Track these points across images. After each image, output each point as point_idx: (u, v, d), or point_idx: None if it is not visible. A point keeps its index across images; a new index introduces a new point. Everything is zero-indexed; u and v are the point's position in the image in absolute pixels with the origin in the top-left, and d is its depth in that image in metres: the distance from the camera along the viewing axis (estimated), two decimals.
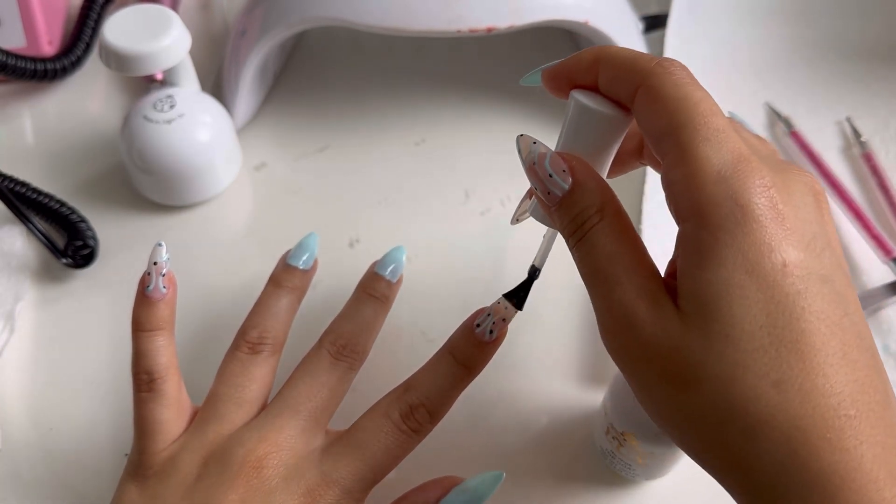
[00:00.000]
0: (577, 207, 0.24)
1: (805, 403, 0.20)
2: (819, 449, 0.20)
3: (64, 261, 0.42)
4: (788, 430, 0.20)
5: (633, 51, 0.24)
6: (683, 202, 0.22)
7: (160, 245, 0.32)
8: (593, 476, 0.35)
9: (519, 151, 0.26)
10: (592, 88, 0.25)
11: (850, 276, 0.23)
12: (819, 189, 0.24)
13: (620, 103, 0.25)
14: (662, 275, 0.24)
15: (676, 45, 0.51)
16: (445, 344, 0.31)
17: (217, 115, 0.44)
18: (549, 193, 0.25)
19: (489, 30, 0.41)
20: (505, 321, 0.31)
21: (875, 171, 0.45)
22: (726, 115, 0.24)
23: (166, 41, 0.40)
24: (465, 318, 0.31)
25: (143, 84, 0.51)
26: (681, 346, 0.22)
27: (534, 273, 0.30)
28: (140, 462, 0.30)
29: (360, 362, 0.33)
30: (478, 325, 0.31)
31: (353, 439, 0.30)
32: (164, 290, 0.32)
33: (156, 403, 0.31)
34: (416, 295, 0.41)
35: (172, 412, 0.31)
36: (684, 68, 0.24)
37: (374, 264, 0.36)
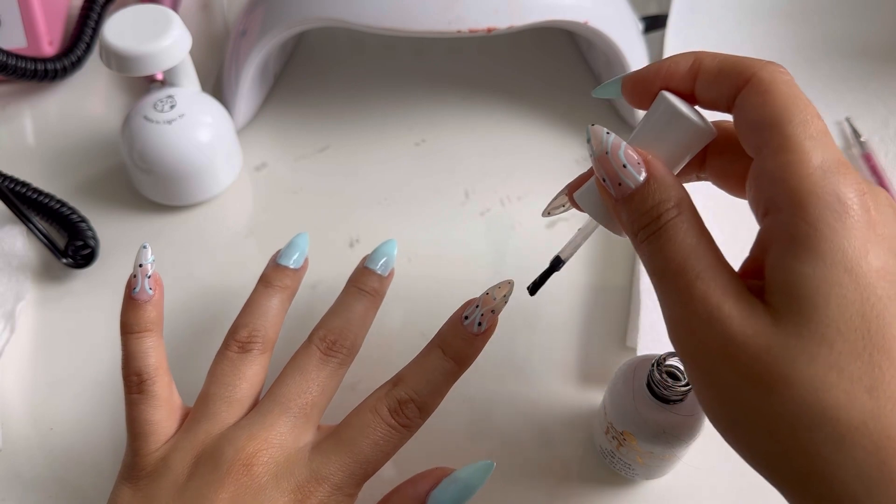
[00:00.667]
0: (652, 200, 0.23)
1: None
2: None
3: (64, 261, 0.42)
4: (880, 438, 0.19)
5: (734, 55, 0.24)
6: (781, 191, 0.22)
7: (145, 247, 0.33)
8: (593, 476, 0.35)
9: (588, 140, 0.25)
10: (684, 95, 0.25)
11: None
12: (892, 201, 0.23)
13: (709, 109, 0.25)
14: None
15: (676, 45, 0.51)
16: (434, 337, 0.31)
17: (217, 115, 0.44)
18: (619, 185, 0.24)
19: (489, 30, 0.41)
20: (494, 312, 0.30)
21: (875, 171, 0.45)
22: (805, 86, 0.23)
23: (166, 41, 0.40)
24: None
25: (143, 84, 0.51)
26: (771, 344, 0.20)
27: (557, 264, 0.29)
28: (133, 464, 0.30)
29: (350, 357, 0.33)
30: (466, 318, 0.31)
31: (343, 435, 0.30)
32: (151, 292, 0.32)
33: (146, 405, 0.31)
34: (415, 295, 0.41)
35: (163, 413, 0.31)
36: (790, 74, 0.23)
37: (365, 258, 0.36)
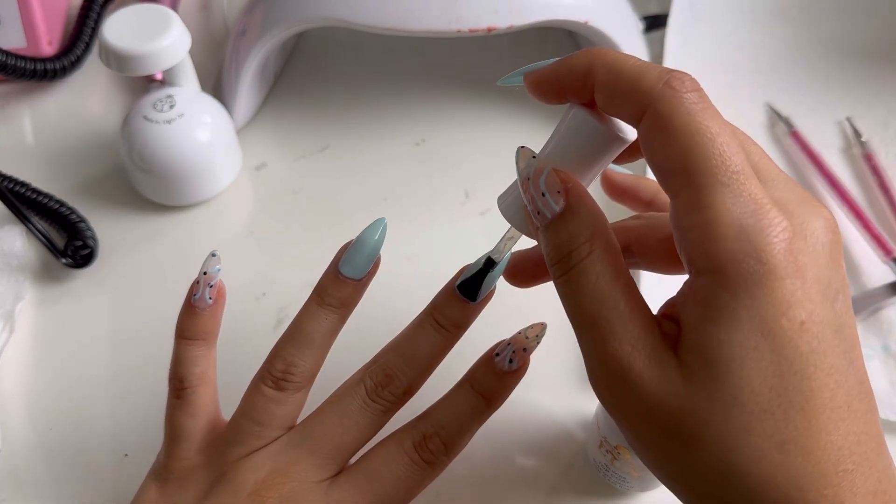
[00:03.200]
0: (564, 233, 0.23)
1: (807, 462, 0.20)
2: None
3: (64, 261, 0.42)
4: (788, 489, 0.20)
5: (635, 61, 0.22)
6: (699, 254, 0.21)
7: (213, 255, 0.31)
8: (587, 488, 0.35)
9: (517, 163, 0.24)
10: (587, 103, 0.24)
11: (850, 294, 0.23)
12: (834, 225, 0.23)
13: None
14: (655, 312, 0.23)
15: (677, 44, 0.51)
16: (465, 374, 0.31)
17: (217, 115, 0.44)
18: (538, 213, 0.24)
19: (489, 30, 0.41)
20: (526, 351, 0.30)
21: (875, 171, 0.45)
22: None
23: (166, 41, 0.40)
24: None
25: (142, 84, 0.51)
26: (683, 405, 0.21)
27: (490, 265, 0.29)
28: (165, 465, 0.30)
29: (400, 404, 0.30)
30: (497, 355, 0.30)
31: (363, 469, 0.29)
32: (210, 301, 0.31)
33: (181, 412, 0.30)
34: (415, 295, 0.41)
35: (198, 422, 0.30)
36: (696, 86, 0.22)
37: (458, 275, 0.31)
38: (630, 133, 0.24)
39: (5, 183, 0.44)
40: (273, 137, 0.49)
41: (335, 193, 0.46)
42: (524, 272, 0.29)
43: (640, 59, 0.22)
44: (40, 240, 0.42)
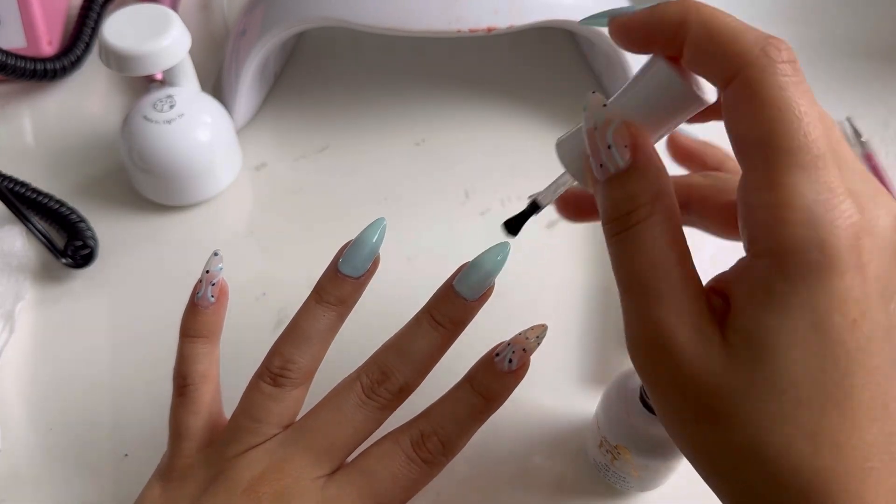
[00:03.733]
0: (626, 191, 0.22)
1: (835, 456, 0.20)
2: (838, 501, 0.20)
3: (64, 261, 0.42)
4: (812, 480, 0.20)
5: (732, 20, 0.21)
6: (762, 235, 0.21)
7: (216, 255, 0.32)
8: (587, 488, 0.35)
9: (584, 108, 0.23)
10: (671, 56, 0.22)
11: None
12: None
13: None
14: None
15: None
16: (465, 374, 0.30)
17: (217, 115, 0.44)
18: (601, 165, 0.23)
19: (489, 30, 0.41)
20: (526, 352, 0.30)
21: (875, 171, 0.45)
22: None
23: (166, 41, 0.40)
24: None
25: (142, 84, 0.51)
26: (721, 383, 0.21)
27: (535, 208, 0.28)
28: (168, 463, 0.30)
29: (397, 402, 0.30)
30: (497, 355, 0.30)
31: (360, 467, 0.29)
32: (212, 299, 0.31)
33: (184, 409, 0.31)
34: (415, 295, 0.41)
35: (200, 420, 0.31)
36: (792, 57, 0.21)
37: (455, 276, 0.31)
38: (711, 95, 0.23)
39: (5, 183, 0.44)
40: (273, 137, 0.49)
41: (335, 193, 0.46)
42: (580, 206, 0.27)
43: (737, 19, 0.21)
44: (40, 240, 0.42)
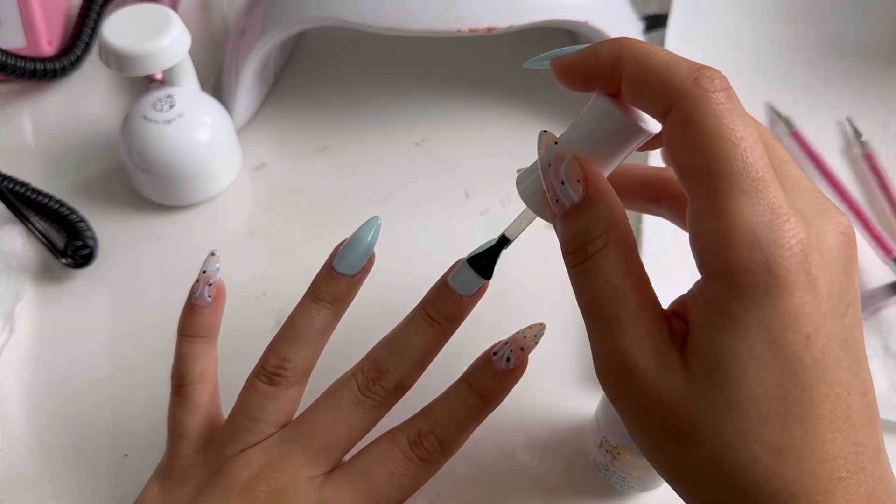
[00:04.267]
0: (580, 224, 0.23)
1: (801, 469, 0.20)
2: None
3: (63, 261, 0.42)
4: (780, 494, 0.20)
5: (665, 55, 0.22)
6: (712, 260, 0.21)
7: (213, 254, 0.32)
8: (587, 488, 0.35)
9: (538, 147, 0.24)
10: (612, 93, 0.23)
11: (860, 306, 0.23)
12: (850, 232, 0.22)
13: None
14: (665, 306, 0.23)
15: (677, 44, 0.51)
16: (463, 373, 0.31)
17: (217, 115, 0.44)
18: (556, 201, 0.24)
19: (489, 30, 0.41)
20: (524, 351, 0.30)
21: (875, 171, 0.45)
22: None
23: (166, 41, 0.40)
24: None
25: (142, 84, 0.51)
26: (683, 404, 0.21)
27: (503, 243, 0.29)
28: (167, 464, 0.30)
29: (393, 399, 0.30)
30: (495, 354, 0.30)
31: (357, 465, 0.29)
32: (209, 299, 0.32)
33: (182, 409, 0.31)
34: (415, 295, 0.41)
35: (198, 419, 0.31)
36: (725, 85, 0.21)
37: (450, 272, 0.31)
38: (654, 126, 0.24)
39: (5, 183, 0.44)
40: (273, 137, 0.49)
41: (335, 193, 0.46)
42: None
43: (670, 53, 0.22)
44: (40, 240, 0.42)
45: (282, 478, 0.28)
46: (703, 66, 0.22)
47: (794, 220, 0.21)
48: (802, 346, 0.20)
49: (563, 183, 0.23)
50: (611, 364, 0.22)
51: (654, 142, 0.25)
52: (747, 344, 0.20)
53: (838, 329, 0.21)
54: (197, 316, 0.32)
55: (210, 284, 0.32)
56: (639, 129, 0.24)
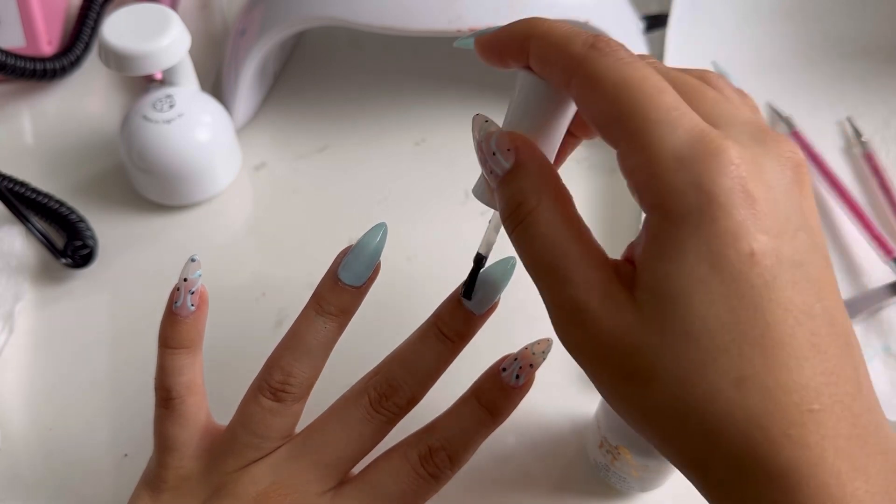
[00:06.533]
0: (515, 187, 0.23)
1: (767, 401, 0.19)
2: (779, 446, 0.19)
3: (63, 261, 0.42)
4: (748, 428, 0.19)
5: (565, 28, 0.23)
6: (645, 192, 0.21)
7: (193, 260, 0.30)
8: (587, 488, 0.35)
9: (472, 130, 0.25)
10: (527, 67, 0.24)
11: (829, 255, 0.22)
12: (799, 160, 0.22)
13: None
14: (619, 257, 0.23)
15: (677, 44, 0.51)
16: (471, 387, 0.30)
17: (217, 115, 0.44)
18: (491, 172, 0.24)
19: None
20: (532, 367, 0.30)
21: (876, 171, 0.45)
22: (709, 65, 0.23)
23: (165, 41, 0.40)
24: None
25: (142, 83, 0.51)
26: (638, 343, 0.21)
27: (480, 261, 0.29)
28: (156, 474, 0.30)
29: (402, 414, 0.30)
30: (504, 370, 0.30)
31: (368, 481, 0.29)
32: (192, 308, 0.30)
33: (171, 422, 0.30)
34: (415, 295, 0.41)
35: (189, 431, 0.30)
36: (620, 46, 0.22)
37: (461, 287, 0.30)
38: None
39: (5, 183, 0.43)
40: (272, 137, 0.49)
41: (335, 193, 0.46)
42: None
43: (570, 26, 0.23)
44: (40, 240, 0.42)
45: (291, 494, 0.28)
46: (598, 35, 0.22)
47: (721, 140, 0.20)
48: (747, 265, 0.20)
49: (494, 154, 0.24)
50: (563, 315, 0.22)
51: (590, 129, 0.26)
52: (688, 267, 0.20)
53: (788, 249, 0.20)
54: (180, 326, 0.30)
55: (192, 293, 0.30)
56: (560, 95, 0.24)
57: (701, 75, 0.24)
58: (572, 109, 0.25)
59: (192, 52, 0.43)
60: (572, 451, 0.36)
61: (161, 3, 0.51)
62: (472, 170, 0.47)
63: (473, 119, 0.25)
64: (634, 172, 0.21)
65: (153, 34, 0.40)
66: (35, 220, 0.42)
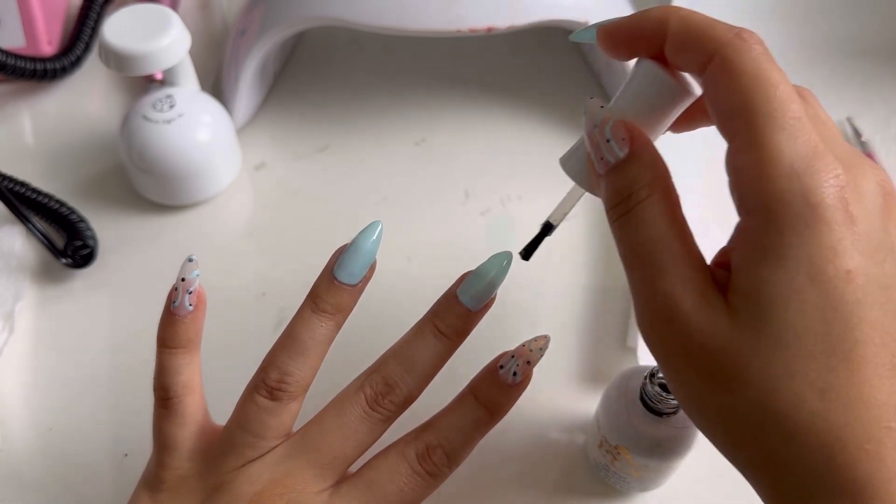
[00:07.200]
0: (627, 178, 0.23)
1: (848, 413, 0.20)
2: (856, 459, 0.20)
3: (63, 261, 0.42)
4: (828, 438, 0.20)
5: (707, 16, 0.23)
6: (750, 193, 0.21)
7: (190, 260, 0.30)
8: (587, 488, 0.35)
9: (585, 113, 0.25)
10: (655, 57, 0.24)
11: None
12: (890, 189, 0.22)
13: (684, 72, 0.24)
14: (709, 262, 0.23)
15: None
16: (468, 385, 0.30)
17: (217, 115, 0.44)
18: (601, 159, 0.24)
19: (489, 30, 0.41)
20: (529, 364, 0.30)
21: None
22: (805, 86, 0.23)
23: (166, 41, 0.40)
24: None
25: (142, 84, 0.51)
26: (728, 345, 0.21)
27: (548, 228, 0.29)
28: (155, 474, 0.30)
29: (399, 412, 0.30)
30: (501, 367, 0.30)
31: (366, 479, 0.29)
32: (190, 308, 0.30)
33: (169, 421, 0.30)
34: (415, 295, 0.41)
35: (188, 431, 0.30)
36: (763, 43, 0.22)
37: (459, 282, 0.30)
38: (697, 88, 0.25)
39: (5, 183, 0.44)
40: (272, 137, 0.49)
41: (335, 193, 0.46)
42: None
43: (712, 18, 0.23)
44: (40, 240, 0.42)
45: (288, 493, 0.28)
46: (741, 27, 0.22)
47: (832, 158, 0.21)
48: (843, 282, 0.20)
49: (608, 141, 0.24)
50: (653, 309, 0.22)
51: (693, 119, 0.26)
52: (788, 276, 0.20)
53: (878, 271, 0.21)
54: (178, 326, 0.30)
55: (190, 293, 0.30)
56: (682, 88, 0.24)
57: (800, 91, 0.24)
58: (684, 106, 0.25)
59: (192, 52, 0.43)
60: (572, 451, 0.36)
61: (161, 3, 0.51)
62: (473, 170, 0.47)
63: (588, 102, 0.25)
64: (743, 170, 0.21)
65: (153, 34, 0.40)
66: (35, 220, 0.42)
